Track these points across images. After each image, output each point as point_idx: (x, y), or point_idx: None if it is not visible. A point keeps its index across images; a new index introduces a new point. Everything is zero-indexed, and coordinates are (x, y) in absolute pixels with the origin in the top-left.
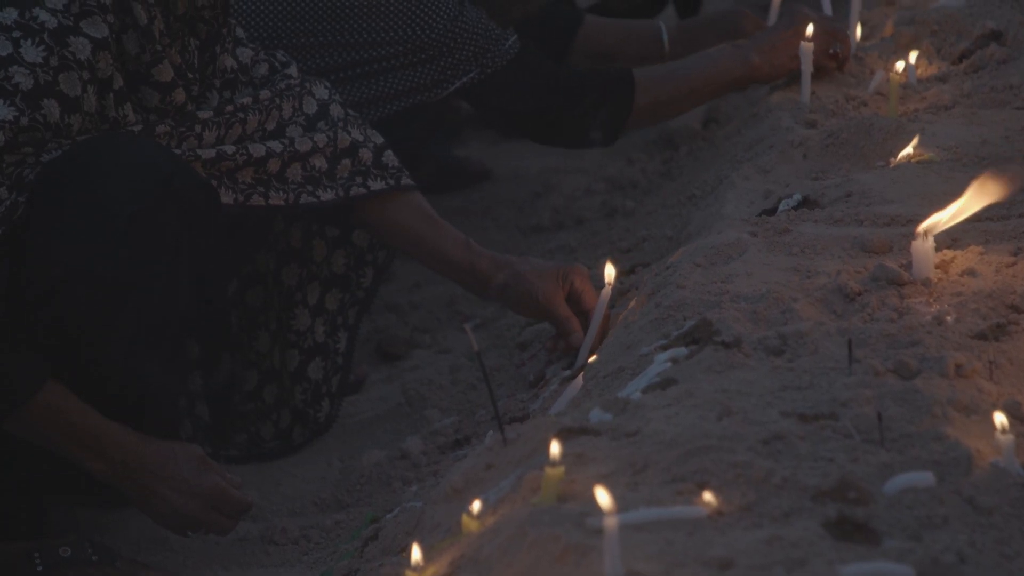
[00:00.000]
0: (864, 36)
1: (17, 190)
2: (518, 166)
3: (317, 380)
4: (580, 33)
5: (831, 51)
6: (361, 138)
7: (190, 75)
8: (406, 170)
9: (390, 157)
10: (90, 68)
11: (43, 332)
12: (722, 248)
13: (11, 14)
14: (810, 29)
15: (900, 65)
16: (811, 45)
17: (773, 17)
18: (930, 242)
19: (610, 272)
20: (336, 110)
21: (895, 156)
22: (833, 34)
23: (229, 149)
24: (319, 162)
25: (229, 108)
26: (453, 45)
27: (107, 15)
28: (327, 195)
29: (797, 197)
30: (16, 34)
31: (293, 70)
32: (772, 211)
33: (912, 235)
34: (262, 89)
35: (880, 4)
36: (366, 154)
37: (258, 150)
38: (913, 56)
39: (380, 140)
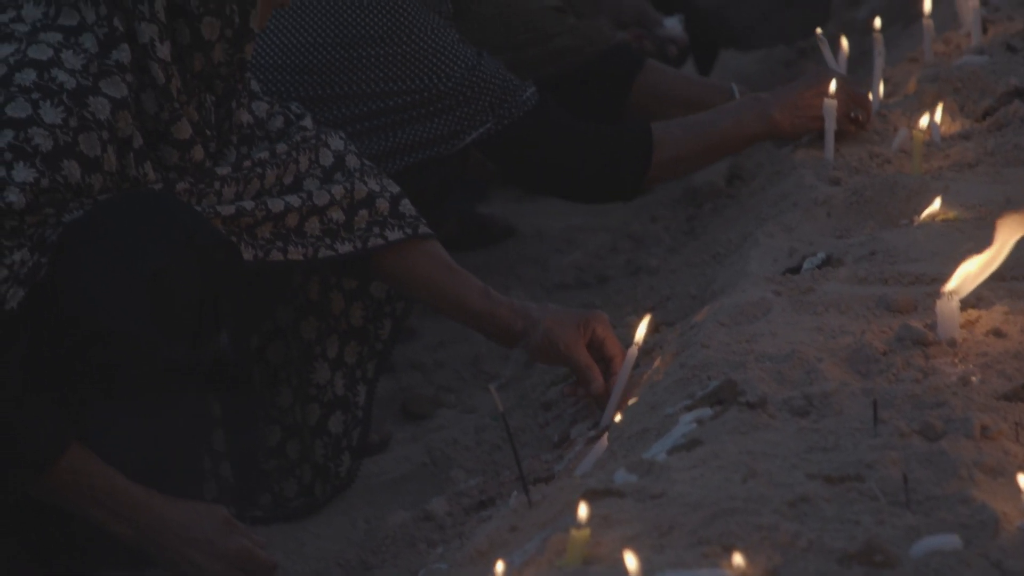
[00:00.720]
0: (887, 93)
1: (39, 251)
2: (542, 224)
3: (337, 434)
4: (639, 79)
5: (851, 115)
6: (377, 188)
7: (208, 132)
8: (423, 219)
9: (407, 206)
10: (110, 128)
11: (67, 392)
12: (746, 307)
13: (30, 75)
14: (833, 85)
15: (924, 123)
16: (835, 102)
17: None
18: (955, 302)
19: (641, 331)
20: (352, 161)
21: (919, 214)
22: (854, 98)
23: (248, 205)
24: (336, 214)
25: (247, 163)
26: (470, 95)
27: (125, 75)
28: (345, 247)
29: (821, 256)
30: (35, 95)
31: (308, 121)
32: (796, 270)
33: (937, 294)
34: (278, 143)
35: (903, 61)
36: (383, 204)
37: (277, 205)
38: (937, 114)
39: (396, 189)
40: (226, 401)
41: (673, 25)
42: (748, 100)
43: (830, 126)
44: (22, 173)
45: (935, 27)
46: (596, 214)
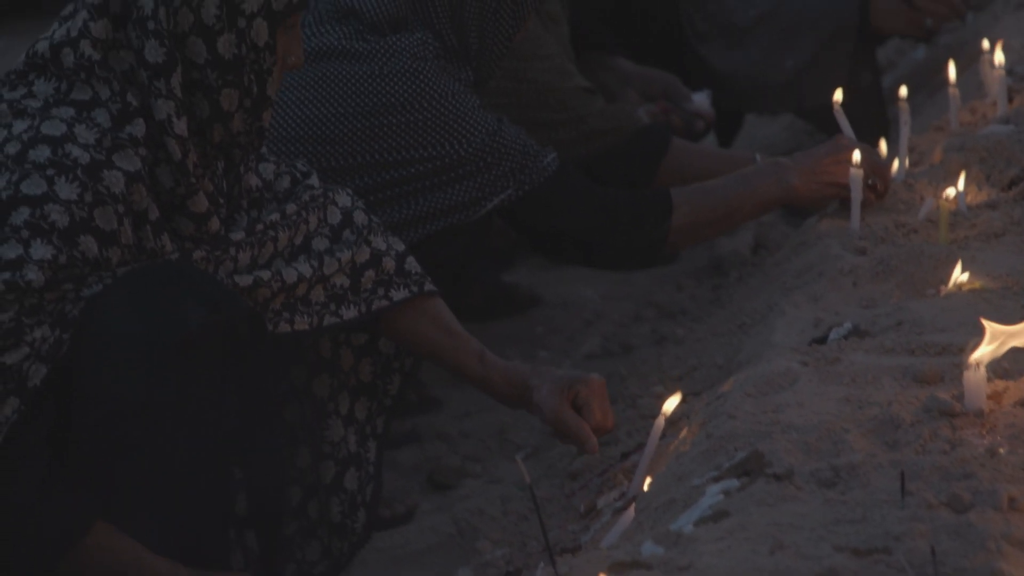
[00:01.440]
0: (913, 163)
1: (60, 327)
2: (567, 293)
3: (353, 491)
4: (667, 158)
5: (869, 182)
6: (384, 247)
7: (220, 199)
8: (428, 277)
9: (412, 264)
10: (125, 201)
11: (92, 466)
12: (773, 378)
13: (44, 151)
14: (857, 155)
15: (950, 192)
16: (861, 172)
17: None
18: (982, 372)
19: (670, 405)
20: (360, 217)
21: (946, 284)
22: (872, 167)
23: (265, 275)
24: (341, 279)
25: (259, 227)
26: (491, 161)
27: (139, 148)
28: (350, 312)
29: (848, 326)
30: (50, 172)
31: (314, 179)
32: (823, 340)
33: (964, 365)
34: (287, 203)
35: (929, 130)
36: (389, 263)
37: (290, 276)
38: (962, 183)
39: (402, 247)
40: (248, 465)
41: (701, 100)
42: (768, 165)
43: (856, 196)
44: (40, 250)
45: (961, 96)
46: (621, 283)
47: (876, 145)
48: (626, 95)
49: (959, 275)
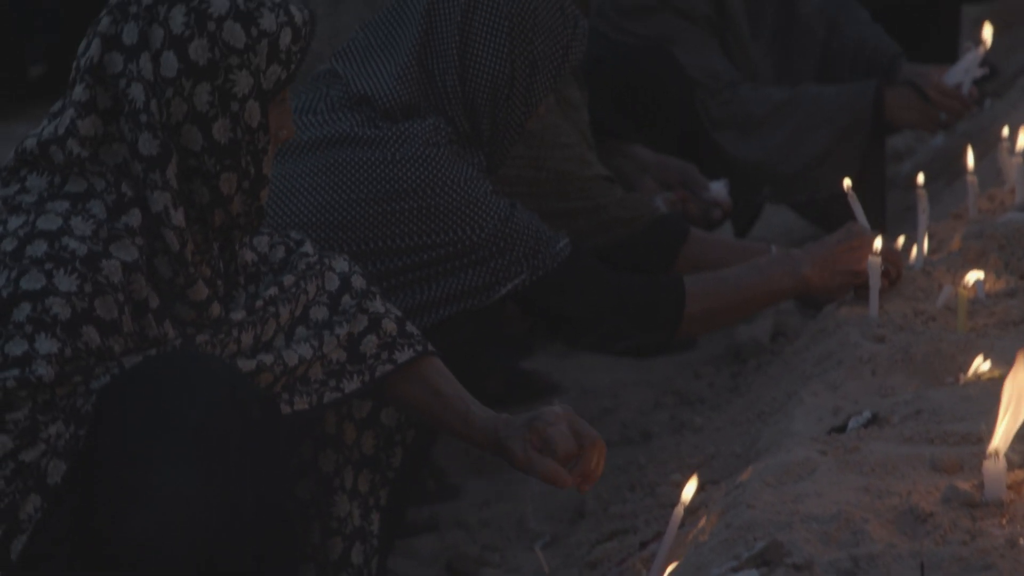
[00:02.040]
0: (932, 250)
1: (74, 422)
2: (586, 379)
3: (359, 564)
4: (684, 248)
5: (882, 269)
6: (382, 309)
7: (219, 281)
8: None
9: (411, 326)
10: (124, 290)
11: (112, 562)
12: (792, 467)
13: (41, 246)
14: (878, 243)
15: (969, 279)
16: (879, 259)
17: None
18: (1002, 462)
19: (688, 492)
20: (358, 282)
21: (965, 372)
22: (886, 254)
23: (267, 359)
24: (337, 354)
25: (259, 304)
26: (504, 246)
27: (135, 238)
28: (352, 384)
29: (867, 415)
30: (48, 266)
31: (308, 247)
32: (842, 428)
33: (983, 454)
34: (284, 274)
35: (947, 218)
36: (390, 325)
37: (291, 358)
38: (981, 271)
39: (399, 312)
40: (268, 549)
41: (718, 189)
42: (780, 257)
43: (875, 284)
44: (45, 344)
45: (979, 183)
46: (640, 370)
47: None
48: (643, 182)
49: (980, 365)
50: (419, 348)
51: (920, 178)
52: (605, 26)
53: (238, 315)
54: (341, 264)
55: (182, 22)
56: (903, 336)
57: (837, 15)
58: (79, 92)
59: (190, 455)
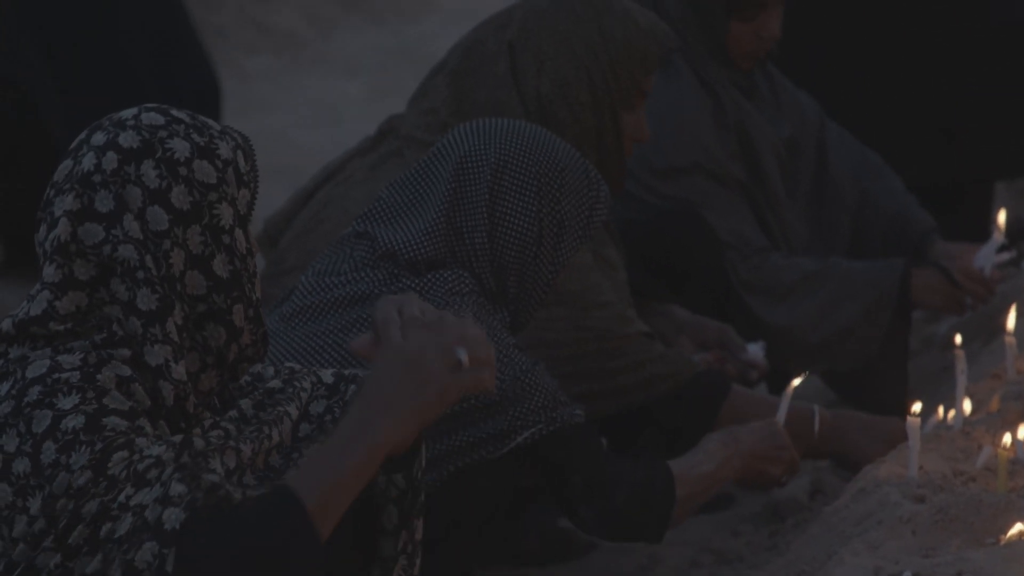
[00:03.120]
0: (971, 410)
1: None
2: None
3: None
4: (726, 405)
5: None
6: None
7: (217, 419)
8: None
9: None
10: (127, 395)
11: None
12: None
13: (35, 391)
14: (918, 406)
15: (1008, 440)
16: (918, 420)
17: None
18: None
19: None
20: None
21: (1005, 533)
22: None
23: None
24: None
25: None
26: (521, 394)
27: (130, 385)
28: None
29: (908, 575)
30: (47, 400)
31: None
32: None
33: None
34: (272, 381)
35: (986, 378)
36: None
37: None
38: (1021, 431)
39: None
40: None
41: (755, 351)
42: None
43: (914, 445)
44: (80, 458)
45: (1017, 344)
46: (677, 528)
47: (904, 415)
48: (679, 343)
49: (1023, 527)
50: None
51: (957, 338)
52: (636, 187)
53: (246, 448)
54: (327, 377)
55: (155, 175)
56: (943, 496)
57: (871, 186)
58: (50, 273)
59: None
